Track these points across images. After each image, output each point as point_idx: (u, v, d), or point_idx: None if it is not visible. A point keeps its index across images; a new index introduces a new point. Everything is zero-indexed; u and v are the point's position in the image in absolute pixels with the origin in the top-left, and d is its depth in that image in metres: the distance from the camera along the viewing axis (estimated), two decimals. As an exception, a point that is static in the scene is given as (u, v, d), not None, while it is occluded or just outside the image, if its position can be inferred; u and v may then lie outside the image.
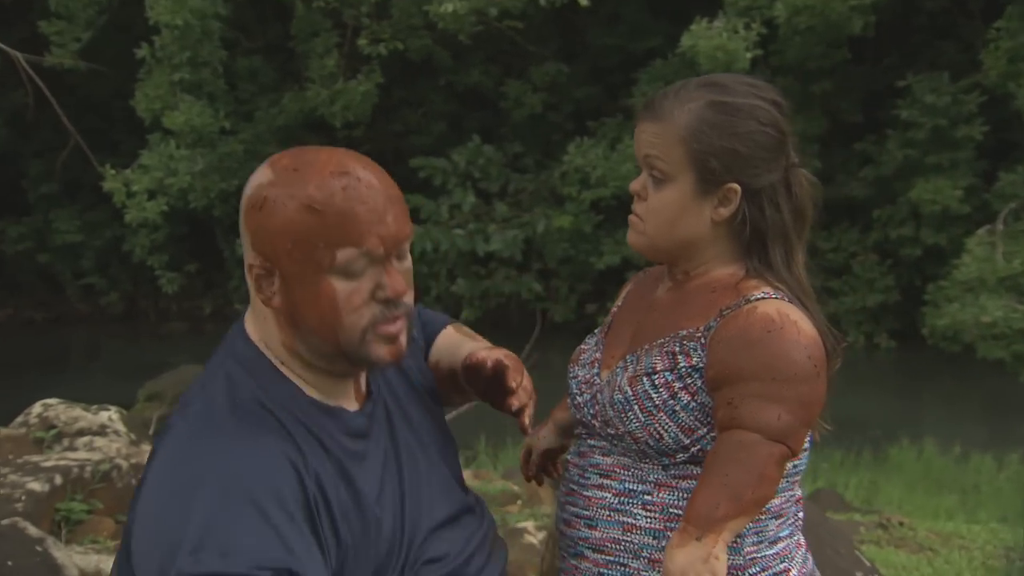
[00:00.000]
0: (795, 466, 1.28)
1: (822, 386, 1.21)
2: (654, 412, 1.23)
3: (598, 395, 1.31)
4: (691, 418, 1.23)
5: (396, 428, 1.23)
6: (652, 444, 1.24)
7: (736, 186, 1.25)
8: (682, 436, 1.23)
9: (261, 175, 1.11)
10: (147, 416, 5.31)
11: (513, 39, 12.53)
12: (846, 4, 10.27)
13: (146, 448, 3.71)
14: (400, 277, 1.12)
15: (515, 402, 1.28)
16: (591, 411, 1.32)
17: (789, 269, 1.28)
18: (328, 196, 1.07)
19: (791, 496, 1.31)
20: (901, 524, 4.75)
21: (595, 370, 1.35)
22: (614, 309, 1.46)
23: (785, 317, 1.21)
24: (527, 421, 1.28)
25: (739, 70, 9.44)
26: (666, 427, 1.23)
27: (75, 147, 12.89)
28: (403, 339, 1.15)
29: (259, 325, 1.15)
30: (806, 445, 1.29)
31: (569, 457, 1.35)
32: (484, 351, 1.33)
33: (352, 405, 1.19)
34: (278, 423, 1.09)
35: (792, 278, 1.28)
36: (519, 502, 4.48)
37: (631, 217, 1.33)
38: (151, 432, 4.70)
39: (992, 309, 8.65)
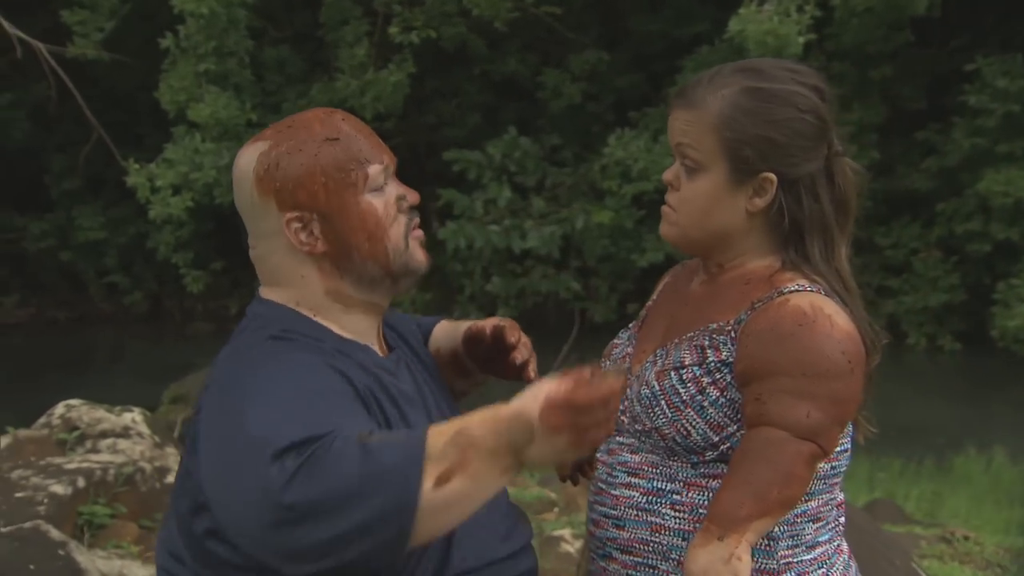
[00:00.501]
0: (833, 467, 1.29)
1: (857, 383, 1.21)
2: (681, 408, 1.25)
3: (627, 390, 1.33)
4: (720, 414, 1.24)
5: (419, 380, 1.33)
6: (680, 441, 1.26)
7: (772, 176, 1.27)
8: (711, 433, 1.25)
9: (253, 151, 1.23)
10: (171, 419, 5.41)
11: (551, 26, 12.53)
12: (910, -17, 10.13)
13: (171, 451, 3.79)
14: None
15: (518, 356, 1.37)
16: (620, 407, 1.34)
17: (828, 262, 1.29)
18: (335, 128, 1.24)
19: (831, 499, 1.32)
20: (966, 538, 4.69)
21: (626, 365, 1.38)
22: (649, 303, 1.49)
23: (818, 310, 1.21)
24: (532, 375, 1.37)
25: (791, 56, 9.35)
26: (694, 423, 1.25)
27: (98, 141, 13.13)
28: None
29: (288, 289, 1.26)
30: (845, 446, 1.30)
31: (598, 455, 1.38)
32: (480, 321, 1.44)
33: (379, 351, 1.30)
34: (314, 346, 1.20)
35: (831, 271, 1.28)
36: (556, 509, 4.51)
37: (664, 208, 1.35)
38: (176, 435, 4.79)
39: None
